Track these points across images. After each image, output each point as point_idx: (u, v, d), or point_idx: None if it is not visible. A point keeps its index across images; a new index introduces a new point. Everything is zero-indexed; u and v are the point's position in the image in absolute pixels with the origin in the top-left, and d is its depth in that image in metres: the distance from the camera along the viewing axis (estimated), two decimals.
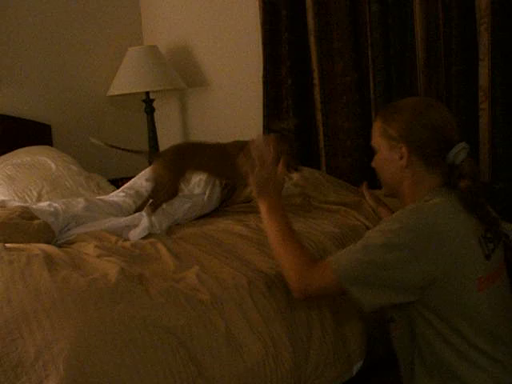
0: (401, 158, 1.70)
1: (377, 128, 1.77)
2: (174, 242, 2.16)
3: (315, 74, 3.43)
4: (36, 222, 2.16)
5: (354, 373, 1.95)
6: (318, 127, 3.47)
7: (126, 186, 2.94)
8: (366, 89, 3.24)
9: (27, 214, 2.23)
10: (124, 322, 1.56)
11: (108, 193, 3.02)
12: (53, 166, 3.32)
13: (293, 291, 1.67)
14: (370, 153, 3.15)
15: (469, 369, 1.59)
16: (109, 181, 3.46)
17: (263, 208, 1.79)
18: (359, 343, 1.97)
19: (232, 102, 3.96)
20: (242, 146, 2.39)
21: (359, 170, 3.22)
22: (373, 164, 1.83)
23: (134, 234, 2.25)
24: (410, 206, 1.65)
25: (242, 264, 1.93)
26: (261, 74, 3.59)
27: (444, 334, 1.60)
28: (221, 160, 2.53)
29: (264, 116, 3.59)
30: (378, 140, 1.77)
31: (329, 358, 1.86)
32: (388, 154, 1.74)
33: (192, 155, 2.53)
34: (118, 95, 3.94)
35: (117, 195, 2.73)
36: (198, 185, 2.73)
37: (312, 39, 3.40)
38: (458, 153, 1.66)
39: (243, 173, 1.94)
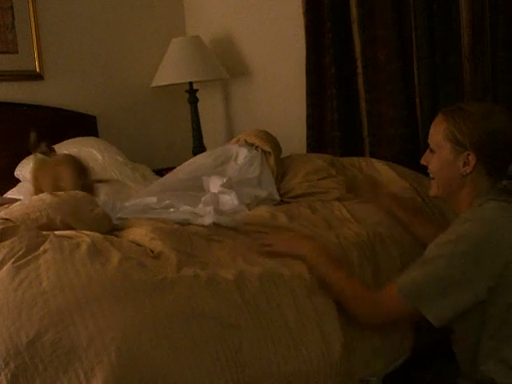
0: (464, 164, 1.66)
1: (441, 129, 1.71)
2: (229, 230, 2.16)
3: (358, 63, 3.41)
4: (96, 210, 2.15)
5: (402, 359, 1.97)
6: (361, 116, 3.45)
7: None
8: (410, 77, 3.20)
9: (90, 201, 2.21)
10: (173, 311, 1.58)
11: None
12: (99, 156, 3.36)
13: (361, 317, 1.74)
14: (414, 141, 3.19)
15: None
16: (153, 171, 3.50)
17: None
18: (405, 337, 1.97)
19: (275, 91, 3.96)
20: None
21: (403, 159, 3.19)
22: (423, 161, 1.78)
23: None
24: (465, 215, 1.64)
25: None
26: (304, 63, 3.58)
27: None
28: None
29: (307, 105, 3.58)
30: (439, 141, 1.71)
31: (375, 349, 1.87)
32: (450, 157, 1.68)
33: None
34: (161, 86, 3.98)
35: None
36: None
37: (355, 27, 3.38)
38: None
39: None
